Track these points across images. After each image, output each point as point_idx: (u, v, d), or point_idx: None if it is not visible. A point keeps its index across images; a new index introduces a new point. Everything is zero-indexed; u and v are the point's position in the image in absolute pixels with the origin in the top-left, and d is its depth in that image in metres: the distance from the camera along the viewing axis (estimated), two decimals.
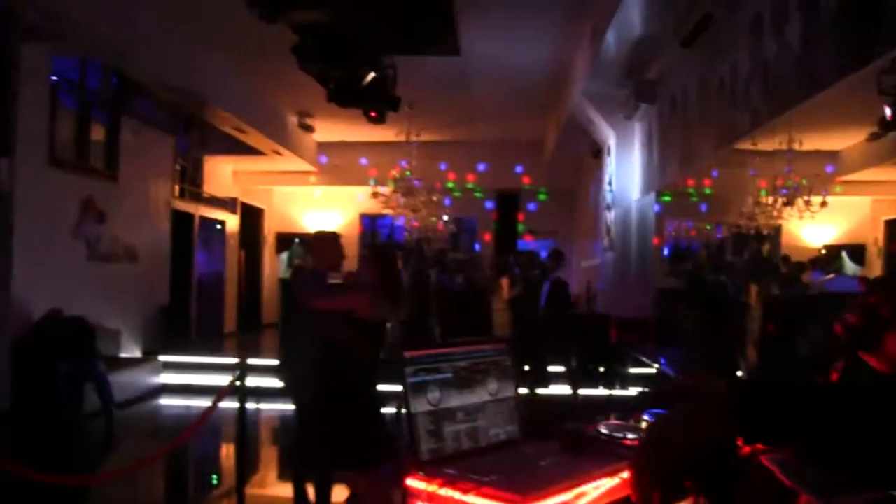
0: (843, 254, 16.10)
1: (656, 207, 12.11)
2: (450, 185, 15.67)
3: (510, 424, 1.91)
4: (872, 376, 1.52)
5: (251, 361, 11.31)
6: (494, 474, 1.60)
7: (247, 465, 5.08)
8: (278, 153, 14.70)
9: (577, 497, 1.58)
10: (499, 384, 1.91)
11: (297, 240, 18.25)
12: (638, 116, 10.69)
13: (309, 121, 14.93)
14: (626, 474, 1.72)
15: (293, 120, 14.84)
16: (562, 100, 12.89)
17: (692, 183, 15.46)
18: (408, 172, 14.06)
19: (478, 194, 18.11)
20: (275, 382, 10.24)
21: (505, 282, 10.82)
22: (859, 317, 1.45)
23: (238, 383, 4.25)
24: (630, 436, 1.88)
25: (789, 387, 1.12)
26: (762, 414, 1.08)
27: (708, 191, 15.80)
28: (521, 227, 18.42)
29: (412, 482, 1.63)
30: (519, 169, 17.30)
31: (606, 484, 1.65)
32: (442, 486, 1.56)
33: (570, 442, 1.85)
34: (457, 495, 1.53)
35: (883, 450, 1.08)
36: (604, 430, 1.92)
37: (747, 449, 1.33)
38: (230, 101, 11.83)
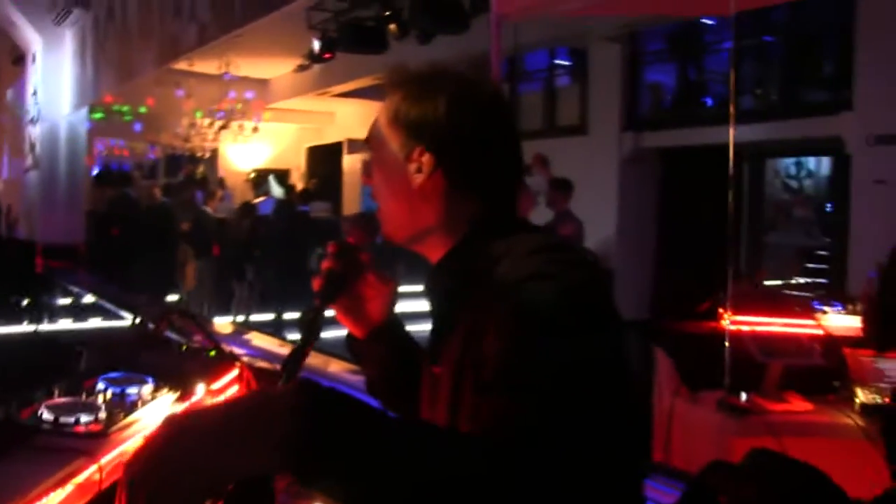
0: (271, 177, 16.96)
1: (87, 124, 11.26)
2: None
3: None
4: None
5: None
6: None
7: None
8: None
9: None
10: None
11: None
12: (70, 22, 9.69)
13: None
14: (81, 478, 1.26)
15: None
16: None
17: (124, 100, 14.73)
18: None
19: None
20: None
21: None
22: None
23: None
24: (84, 418, 1.39)
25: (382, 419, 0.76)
26: (337, 446, 0.71)
27: (143, 109, 15.23)
28: None
29: None
30: None
31: (52, 499, 1.18)
32: None
33: None
34: None
35: None
36: (46, 415, 1.40)
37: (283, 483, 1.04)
38: None
